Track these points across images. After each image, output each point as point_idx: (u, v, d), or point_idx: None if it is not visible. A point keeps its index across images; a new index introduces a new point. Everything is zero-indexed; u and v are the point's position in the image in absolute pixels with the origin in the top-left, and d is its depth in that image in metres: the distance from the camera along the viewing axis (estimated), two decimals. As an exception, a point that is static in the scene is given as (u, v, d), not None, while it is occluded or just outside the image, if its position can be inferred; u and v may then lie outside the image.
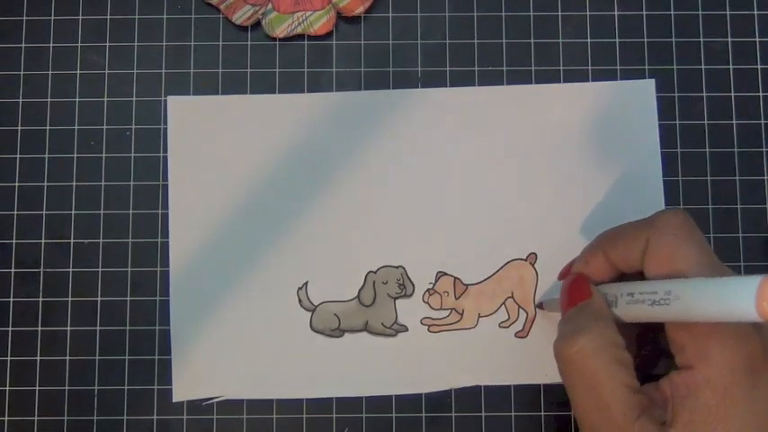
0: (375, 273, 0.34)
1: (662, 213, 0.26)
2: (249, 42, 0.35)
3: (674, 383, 0.24)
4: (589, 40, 0.35)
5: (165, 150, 0.35)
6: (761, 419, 0.23)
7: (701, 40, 0.35)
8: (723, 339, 0.23)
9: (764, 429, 0.23)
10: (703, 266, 0.24)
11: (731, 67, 0.35)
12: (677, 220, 0.26)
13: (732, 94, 0.35)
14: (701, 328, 0.23)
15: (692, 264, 0.24)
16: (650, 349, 0.28)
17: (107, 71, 0.35)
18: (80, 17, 0.36)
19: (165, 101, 0.35)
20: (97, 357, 0.34)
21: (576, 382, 0.25)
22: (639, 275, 0.26)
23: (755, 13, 0.35)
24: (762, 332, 0.23)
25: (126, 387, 0.34)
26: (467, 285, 0.34)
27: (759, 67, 0.35)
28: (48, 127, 0.35)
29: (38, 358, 0.34)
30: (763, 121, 0.35)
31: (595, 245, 0.28)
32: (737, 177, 0.35)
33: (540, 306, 0.33)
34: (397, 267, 0.34)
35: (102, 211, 0.34)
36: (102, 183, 0.35)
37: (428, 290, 0.34)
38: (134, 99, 0.35)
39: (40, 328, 0.34)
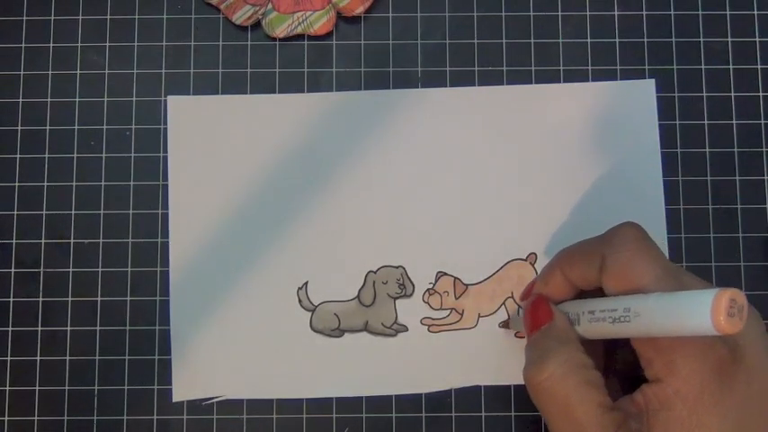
0: (375, 273, 0.34)
1: (616, 229, 0.26)
2: (249, 42, 0.35)
3: (647, 396, 0.24)
4: (589, 40, 0.35)
5: (165, 150, 0.35)
6: (734, 425, 0.23)
7: (701, 40, 0.35)
8: (689, 350, 0.23)
9: (741, 427, 0.23)
10: (660, 280, 0.24)
11: (731, 67, 0.35)
12: (631, 234, 0.25)
13: (732, 94, 0.35)
14: (665, 342, 0.23)
15: (649, 278, 0.24)
16: (626, 354, 0.28)
17: (107, 71, 0.35)
18: (80, 17, 0.36)
19: (165, 101, 0.35)
20: (97, 357, 0.34)
21: (549, 408, 0.25)
22: (600, 292, 0.26)
23: (755, 13, 0.36)
24: (726, 339, 0.23)
25: (126, 387, 0.34)
26: (467, 285, 0.34)
27: (759, 67, 0.35)
28: (48, 127, 0.35)
29: (38, 358, 0.34)
30: (763, 121, 0.35)
31: (553, 264, 0.28)
32: (737, 177, 0.35)
33: (505, 325, 0.33)
34: (397, 267, 0.34)
35: (102, 211, 0.34)
36: (102, 183, 0.35)
37: (428, 290, 0.34)
38: (134, 99, 0.35)
39: (40, 328, 0.34)
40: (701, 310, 0.20)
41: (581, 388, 0.24)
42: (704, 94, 0.35)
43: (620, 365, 0.28)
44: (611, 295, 0.25)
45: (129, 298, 0.34)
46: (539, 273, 0.29)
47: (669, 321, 0.21)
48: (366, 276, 0.34)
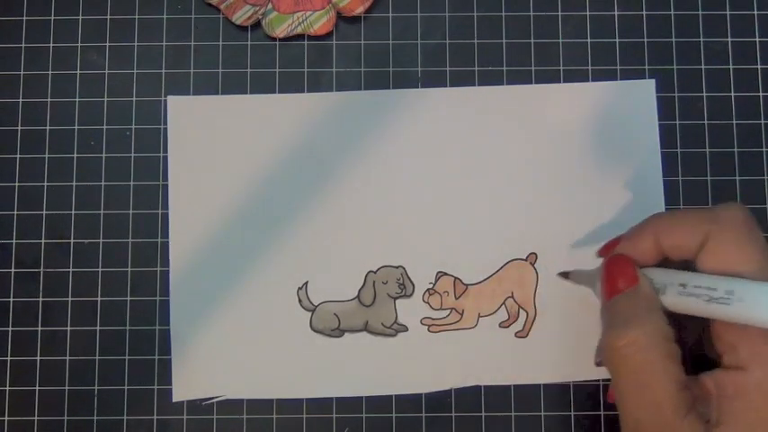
0: (375, 273, 0.34)
1: (726, 208, 0.25)
2: (249, 42, 0.35)
3: (721, 382, 0.23)
4: (589, 40, 0.35)
5: (165, 150, 0.35)
6: None
7: (701, 40, 0.35)
8: None
9: None
10: (763, 271, 0.23)
11: (731, 67, 0.35)
12: (742, 217, 0.24)
13: (732, 94, 0.35)
14: (756, 330, 0.23)
15: (754, 267, 0.23)
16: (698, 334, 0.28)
17: (107, 71, 0.35)
18: (80, 17, 0.36)
19: (165, 101, 0.35)
20: (97, 357, 0.34)
21: (623, 376, 0.24)
22: (684, 265, 0.25)
23: (755, 13, 0.36)
24: None
25: (126, 387, 0.34)
26: (467, 285, 0.34)
27: (759, 67, 0.35)
28: (48, 127, 0.35)
29: (38, 358, 0.34)
30: (763, 121, 0.35)
31: (647, 228, 0.26)
32: (737, 177, 0.35)
33: (564, 275, 0.31)
34: (397, 267, 0.34)
35: (102, 211, 0.34)
36: (102, 183, 0.35)
37: (428, 290, 0.34)
38: (134, 99, 0.35)
39: (40, 328, 0.34)
40: None
41: (664, 361, 0.23)
42: (704, 94, 0.35)
43: (689, 341, 0.27)
44: (705, 273, 0.24)
45: (129, 298, 0.34)
46: (626, 232, 0.27)
47: None
48: (366, 276, 0.34)
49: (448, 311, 0.34)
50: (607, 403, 0.33)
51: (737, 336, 0.23)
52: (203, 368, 0.33)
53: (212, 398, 0.33)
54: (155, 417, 0.33)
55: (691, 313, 0.24)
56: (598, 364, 0.28)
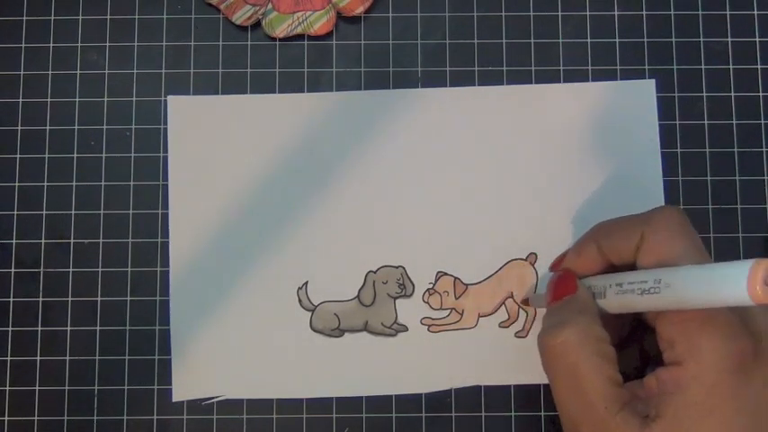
0: (375, 273, 0.34)
1: (659, 209, 0.26)
2: (249, 42, 0.35)
3: (662, 379, 0.24)
4: (589, 40, 0.35)
5: (165, 150, 0.35)
6: (748, 417, 0.23)
7: (701, 40, 0.35)
8: (714, 336, 0.23)
9: (751, 427, 0.23)
10: (695, 260, 0.24)
11: (731, 67, 0.35)
12: (674, 216, 0.26)
13: (732, 94, 0.35)
14: (691, 324, 0.23)
15: (684, 257, 0.24)
16: (635, 356, 0.28)
17: (107, 71, 0.35)
18: (80, 17, 0.36)
19: (165, 101, 0.35)
20: (97, 357, 0.34)
21: (558, 374, 0.25)
22: (630, 269, 0.26)
23: (755, 13, 0.36)
24: (752, 330, 0.23)
25: (126, 387, 0.34)
26: (467, 285, 0.34)
27: (759, 67, 0.35)
28: (48, 127, 0.35)
29: (38, 358, 0.34)
30: (763, 121, 0.35)
31: (589, 236, 0.28)
32: (737, 177, 0.35)
33: (525, 302, 0.33)
34: (397, 267, 0.34)
35: (102, 211, 0.34)
36: (102, 183, 0.35)
37: (428, 290, 0.34)
38: (134, 99, 0.35)
39: (40, 328, 0.34)
40: (736, 280, 0.20)
41: (593, 358, 0.24)
42: (704, 94, 0.35)
43: (630, 362, 0.28)
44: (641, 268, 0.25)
45: (129, 298, 0.34)
46: (573, 244, 0.29)
47: (702, 292, 0.21)
48: (366, 276, 0.34)
49: (448, 311, 0.34)
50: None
51: (675, 331, 0.24)
52: (203, 368, 0.33)
53: (212, 398, 0.33)
54: (155, 417, 0.33)
55: (629, 310, 0.25)
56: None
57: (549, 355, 0.26)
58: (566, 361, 0.25)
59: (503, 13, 0.36)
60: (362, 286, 0.34)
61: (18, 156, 0.35)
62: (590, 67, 0.35)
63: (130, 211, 0.34)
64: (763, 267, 0.20)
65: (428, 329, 0.34)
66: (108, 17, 0.36)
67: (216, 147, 0.35)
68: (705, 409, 0.23)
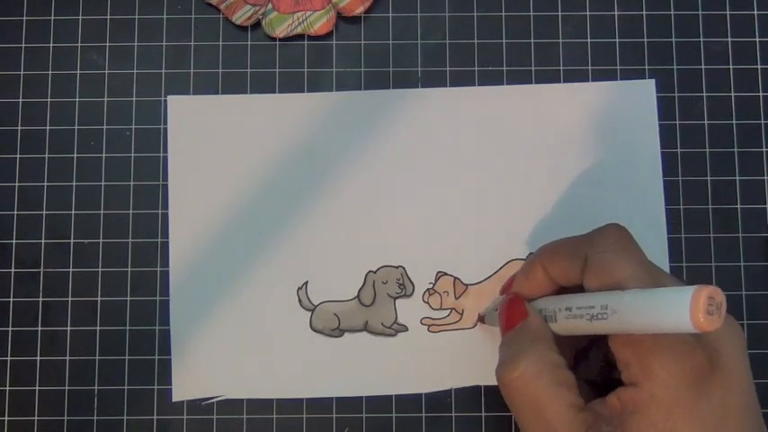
0: (375, 273, 0.34)
1: (600, 230, 0.26)
2: (249, 42, 0.35)
3: (622, 399, 0.24)
4: (589, 40, 0.35)
5: (165, 150, 0.35)
6: (711, 430, 0.23)
7: (701, 40, 0.35)
8: (666, 355, 0.23)
9: None
10: (640, 279, 0.24)
11: (731, 67, 0.35)
12: (615, 235, 0.26)
13: (732, 94, 0.35)
14: (643, 345, 0.23)
15: (628, 277, 0.24)
16: (600, 358, 0.28)
17: (107, 71, 0.35)
18: (80, 17, 0.36)
19: (165, 101, 0.35)
20: (97, 357, 0.34)
21: (520, 407, 0.25)
22: (580, 288, 0.26)
23: (755, 13, 0.36)
24: (705, 345, 0.23)
25: (126, 387, 0.34)
26: (467, 285, 0.34)
27: (759, 67, 0.35)
28: (48, 127, 0.35)
29: (38, 358, 0.34)
30: (763, 121, 0.35)
31: (535, 259, 0.28)
32: (737, 177, 0.35)
33: (480, 320, 0.33)
34: (397, 267, 0.34)
35: (102, 211, 0.34)
36: (102, 183, 0.35)
37: (428, 290, 0.34)
38: (134, 99, 0.35)
39: (40, 328, 0.34)
40: (679, 307, 0.20)
41: (552, 387, 0.24)
42: (704, 94, 0.35)
43: (595, 368, 0.28)
44: (590, 292, 0.25)
45: (129, 298, 0.34)
46: (521, 267, 0.29)
47: (647, 318, 0.21)
48: (366, 276, 0.34)
49: (448, 311, 0.34)
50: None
51: (628, 352, 0.24)
52: (203, 368, 0.33)
53: (212, 398, 0.33)
54: (155, 417, 0.33)
55: (581, 333, 0.25)
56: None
57: (508, 389, 0.25)
58: (525, 393, 0.25)
59: (503, 13, 0.36)
60: (362, 286, 0.34)
61: (18, 156, 0.35)
62: (590, 67, 0.35)
63: (130, 211, 0.34)
64: (704, 294, 0.19)
65: (428, 329, 0.34)
66: (108, 17, 0.36)
67: (216, 147, 0.35)
68: (666, 428, 0.23)
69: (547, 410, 0.24)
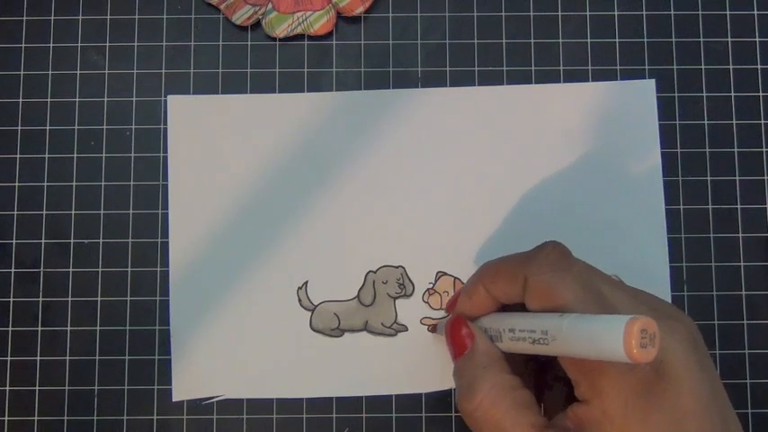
0: (375, 272, 0.34)
1: (539, 249, 0.26)
2: (249, 42, 0.35)
3: (578, 416, 0.24)
4: (589, 40, 0.35)
5: (165, 150, 0.35)
6: None
7: (701, 40, 0.35)
8: (612, 372, 0.23)
9: None
10: (581, 301, 0.24)
11: (731, 67, 0.35)
12: (553, 255, 0.25)
13: (732, 94, 0.35)
14: (590, 364, 0.23)
15: (569, 300, 0.24)
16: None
17: (107, 71, 0.35)
18: (80, 17, 0.36)
19: (165, 101, 0.35)
20: (97, 357, 0.34)
21: None
22: (523, 306, 0.26)
23: (755, 13, 0.36)
24: None
25: (126, 387, 0.34)
26: (467, 285, 0.34)
27: (759, 67, 0.35)
28: (48, 127, 0.35)
29: (38, 358, 0.34)
30: (763, 121, 0.35)
31: (477, 279, 0.28)
32: (737, 177, 0.35)
33: (433, 329, 0.33)
34: (397, 267, 0.34)
35: (102, 211, 0.34)
36: (102, 183, 0.35)
37: (428, 290, 0.34)
38: (134, 99, 0.35)
39: (40, 328, 0.34)
40: (613, 339, 0.20)
41: (512, 411, 0.24)
42: (704, 94, 0.35)
43: (552, 381, 0.28)
44: (533, 312, 0.25)
45: (129, 298, 0.34)
46: (463, 285, 0.29)
47: (584, 347, 0.21)
48: (366, 276, 0.34)
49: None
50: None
51: (575, 371, 0.24)
52: (203, 368, 0.33)
53: (212, 398, 0.33)
54: (155, 417, 0.33)
55: (526, 353, 0.25)
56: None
57: (470, 419, 0.25)
58: (486, 421, 0.25)
59: (503, 13, 0.36)
60: (362, 286, 0.34)
61: (18, 156, 0.35)
62: (590, 67, 0.35)
63: (130, 211, 0.34)
64: (636, 328, 0.19)
65: (428, 329, 0.34)
66: (108, 17, 0.36)
67: (216, 147, 0.35)
68: None
69: None
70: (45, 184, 0.35)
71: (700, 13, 0.36)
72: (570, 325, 0.22)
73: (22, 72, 0.35)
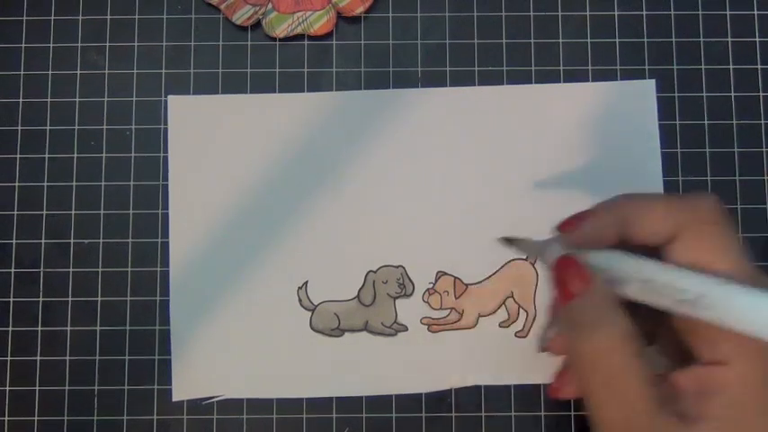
0: (375, 272, 0.34)
1: (702, 199, 0.23)
2: (249, 42, 0.35)
3: (701, 378, 0.22)
4: (589, 40, 0.35)
5: (165, 150, 0.35)
6: None
7: (701, 40, 0.35)
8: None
9: None
10: (741, 272, 0.22)
11: (731, 67, 0.35)
12: (719, 211, 0.23)
13: (732, 94, 0.35)
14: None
15: (730, 266, 0.22)
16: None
17: (107, 71, 0.35)
18: (80, 17, 0.36)
19: (165, 101, 0.35)
20: (97, 357, 0.34)
21: (592, 380, 0.23)
22: (645, 248, 0.23)
23: (755, 13, 0.36)
24: None
25: (126, 387, 0.34)
26: (467, 285, 0.34)
27: (759, 67, 0.35)
28: (48, 127, 0.35)
29: (38, 358, 0.34)
30: (763, 121, 0.35)
31: (614, 211, 0.24)
32: (737, 177, 0.35)
33: (507, 241, 0.28)
34: (397, 267, 0.34)
35: (102, 211, 0.34)
36: (102, 183, 0.35)
37: (428, 289, 0.34)
38: (134, 99, 0.35)
39: (40, 328, 0.34)
40: None
41: (628, 361, 0.22)
42: (704, 94, 0.35)
43: (663, 341, 0.26)
44: (674, 265, 0.23)
45: (129, 298, 0.34)
46: (591, 208, 0.25)
47: (749, 320, 0.20)
48: (366, 276, 0.34)
49: (448, 311, 0.34)
50: (548, 400, 0.33)
51: (716, 330, 0.22)
52: (203, 368, 0.33)
53: (212, 398, 0.33)
54: (155, 417, 0.33)
55: (655, 306, 0.23)
56: (543, 349, 0.28)
57: (581, 362, 0.23)
58: (599, 366, 0.23)
59: (503, 13, 0.36)
60: (362, 286, 0.34)
61: (18, 156, 0.35)
62: (590, 67, 0.35)
63: (130, 211, 0.34)
64: None
65: (428, 329, 0.34)
66: (108, 17, 0.36)
67: (216, 147, 0.35)
68: (754, 410, 0.21)
69: (624, 385, 0.23)
70: (45, 184, 0.35)
71: (700, 13, 0.36)
72: (738, 295, 0.20)
73: (22, 72, 0.35)
